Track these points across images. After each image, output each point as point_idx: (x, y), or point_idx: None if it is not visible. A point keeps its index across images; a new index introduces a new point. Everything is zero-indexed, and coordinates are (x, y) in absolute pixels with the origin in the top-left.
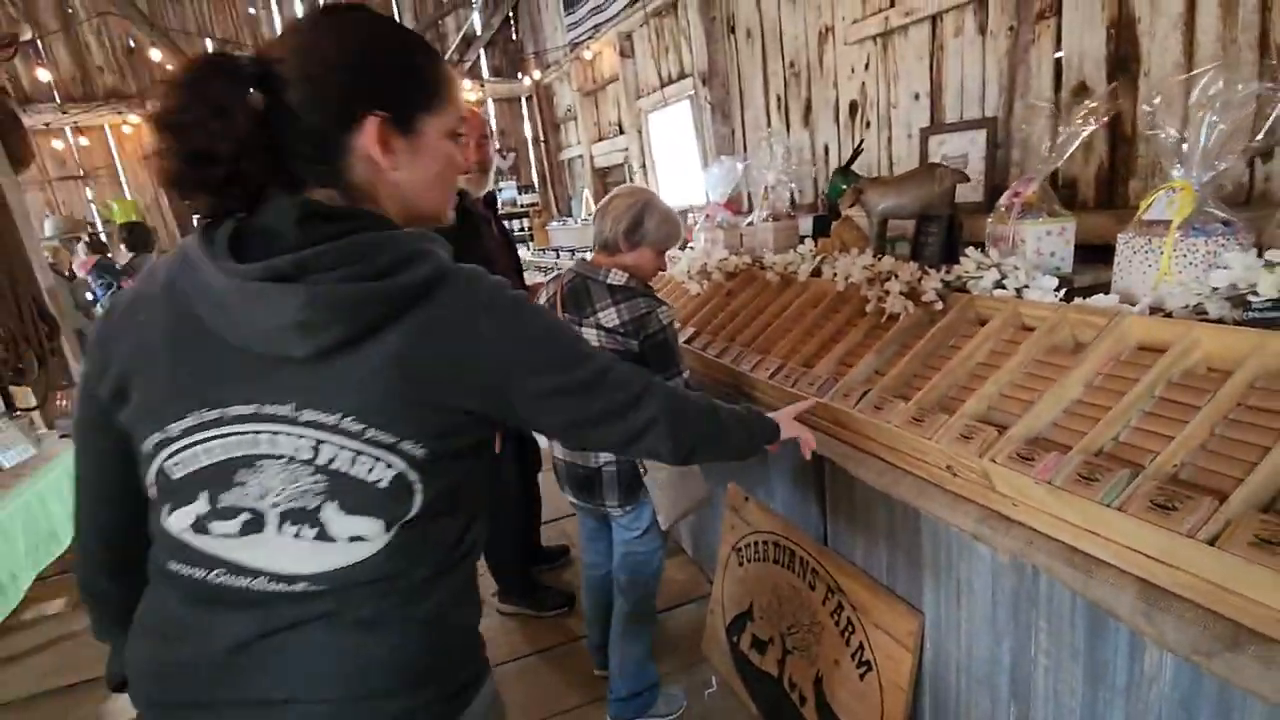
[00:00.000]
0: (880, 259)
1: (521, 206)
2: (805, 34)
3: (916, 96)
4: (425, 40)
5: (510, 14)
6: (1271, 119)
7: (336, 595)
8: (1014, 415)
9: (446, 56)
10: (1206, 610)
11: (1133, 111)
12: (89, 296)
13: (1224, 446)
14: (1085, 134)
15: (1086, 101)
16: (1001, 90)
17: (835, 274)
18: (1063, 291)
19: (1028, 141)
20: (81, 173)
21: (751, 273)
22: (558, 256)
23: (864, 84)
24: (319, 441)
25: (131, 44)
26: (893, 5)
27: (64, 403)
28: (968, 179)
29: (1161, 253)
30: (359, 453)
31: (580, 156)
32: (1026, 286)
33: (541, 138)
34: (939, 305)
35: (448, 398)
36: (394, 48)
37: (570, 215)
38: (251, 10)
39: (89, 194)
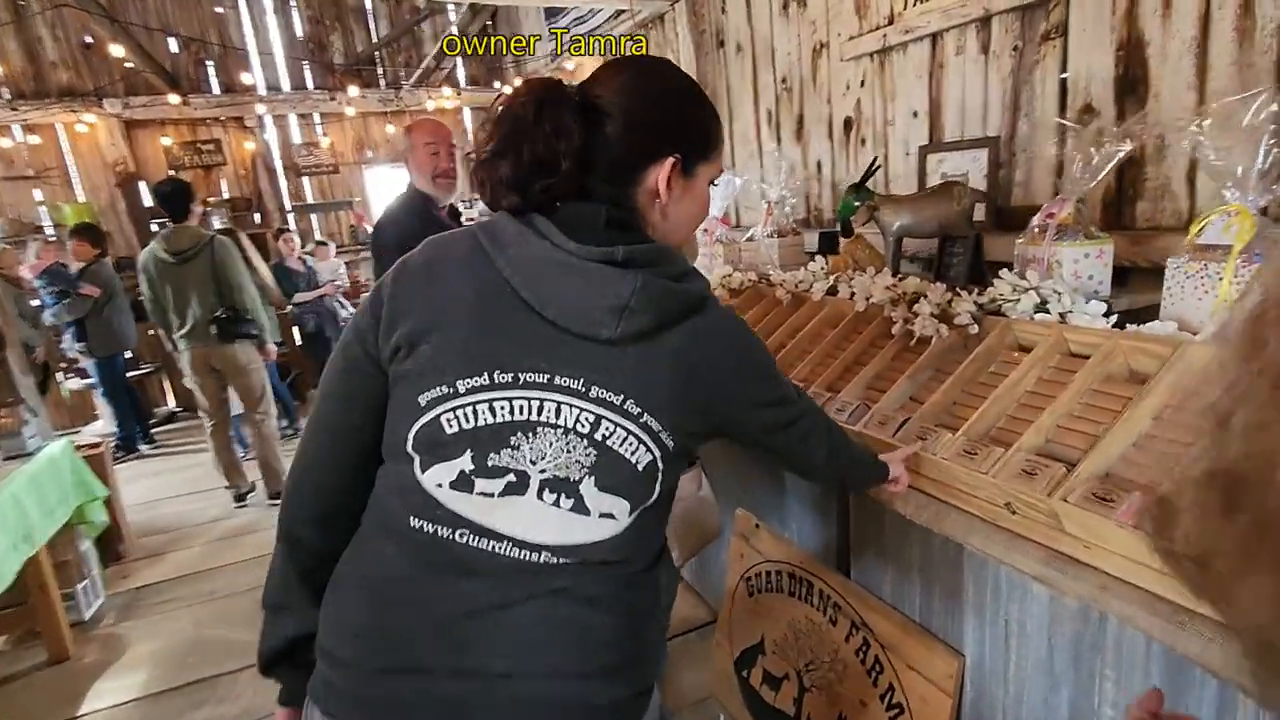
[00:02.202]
0: (904, 279)
1: None
2: (799, 49)
3: (915, 114)
4: (710, 101)
5: (489, 22)
6: None
7: (573, 571)
8: (1075, 449)
9: (423, 64)
10: None
11: (1141, 135)
12: (34, 303)
13: None
14: (1121, 155)
15: (1122, 124)
16: (1004, 110)
17: (853, 293)
18: (1114, 318)
19: (1034, 162)
20: (31, 173)
21: (759, 290)
22: None
23: (859, 100)
24: (599, 418)
25: (88, 39)
26: (891, 23)
27: (8, 421)
28: (986, 198)
29: (1220, 278)
30: (630, 433)
31: None
32: (1070, 311)
33: None
34: (974, 329)
35: (698, 395)
36: (697, 104)
37: None
38: (219, 10)
39: (39, 195)
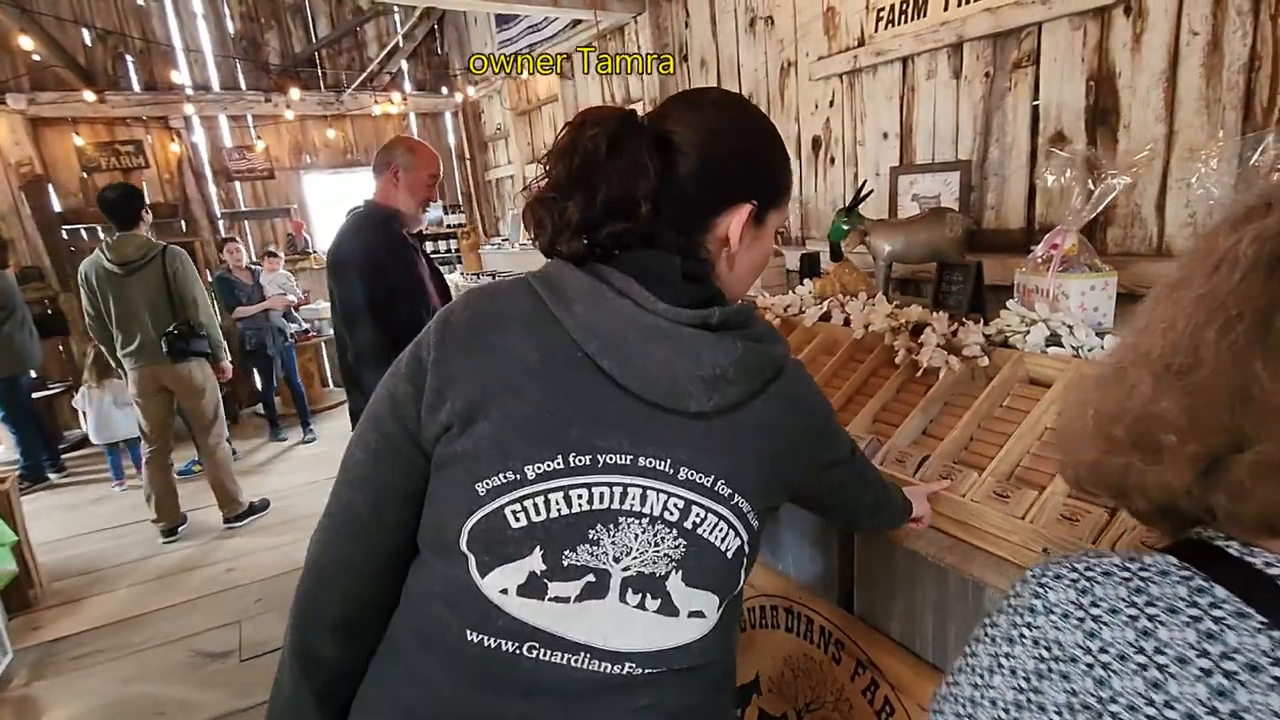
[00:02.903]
0: (906, 306)
1: (448, 227)
2: (766, 67)
3: (885, 136)
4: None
5: (435, 26)
6: None
7: (658, 684)
8: None
9: (367, 70)
10: None
11: (1113, 161)
12: None
13: None
14: (1120, 187)
15: (1128, 154)
16: (976, 134)
17: (848, 319)
18: None
19: (1006, 186)
20: None
21: None
22: (494, 278)
23: (829, 120)
24: (689, 503)
25: None
26: (862, 45)
27: None
28: (979, 226)
29: None
30: (721, 518)
31: (511, 177)
32: (1084, 346)
33: (467, 155)
34: (984, 361)
35: (784, 467)
36: (776, 148)
37: (503, 237)
38: (140, 1)
39: None
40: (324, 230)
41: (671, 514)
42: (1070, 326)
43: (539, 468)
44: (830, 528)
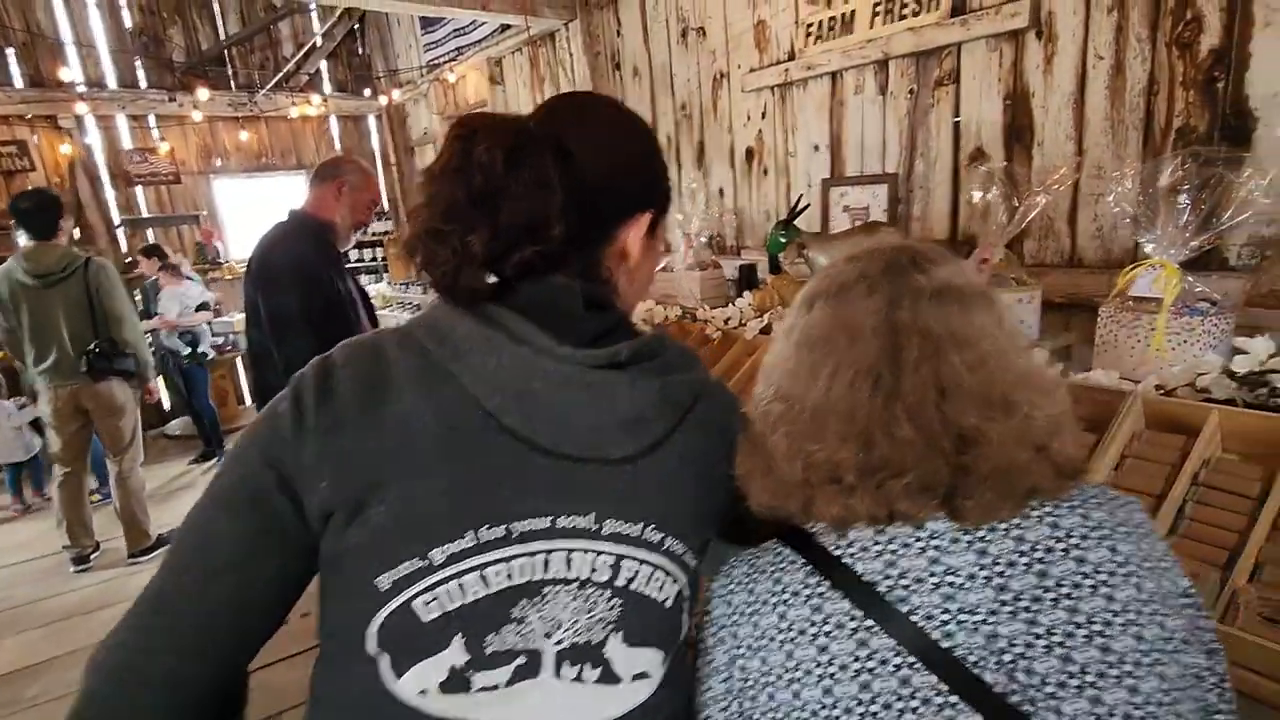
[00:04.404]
0: None
1: (374, 235)
2: (698, 77)
3: (816, 148)
4: None
5: (356, 26)
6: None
7: None
8: None
9: (283, 70)
10: None
11: (1028, 177)
12: None
13: None
14: (1043, 203)
15: (1042, 171)
16: (902, 149)
17: None
18: (1059, 366)
19: (931, 199)
20: None
21: (684, 326)
22: (424, 292)
23: (760, 131)
24: (620, 558)
25: None
26: (792, 58)
27: None
28: (907, 238)
29: (1153, 329)
30: (657, 567)
31: None
32: None
33: (393, 160)
34: None
35: (712, 496)
36: (660, 153)
37: None
38: None
39: None
40: (237, 238)
41: (601, 574)
42: None
43: (447, 549)
44: None
